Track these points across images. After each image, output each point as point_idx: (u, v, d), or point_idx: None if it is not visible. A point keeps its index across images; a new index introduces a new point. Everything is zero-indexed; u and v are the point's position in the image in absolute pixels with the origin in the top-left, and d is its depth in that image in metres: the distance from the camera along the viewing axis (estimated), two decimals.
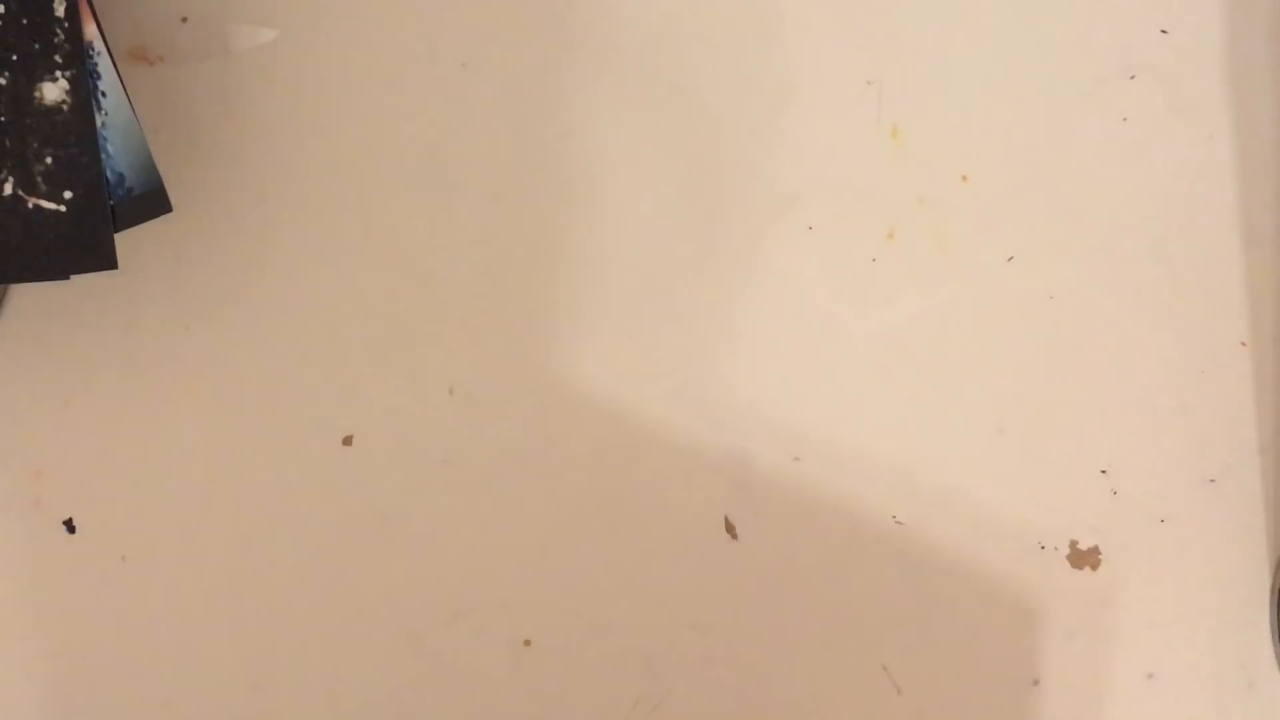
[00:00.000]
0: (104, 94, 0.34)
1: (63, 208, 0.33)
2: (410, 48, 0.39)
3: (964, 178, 0.39)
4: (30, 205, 0.33)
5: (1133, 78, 0.39)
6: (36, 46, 0.33)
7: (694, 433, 0.38)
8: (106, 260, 0.34)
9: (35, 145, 0.33)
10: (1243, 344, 0.38)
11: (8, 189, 0.33)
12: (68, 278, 0.34)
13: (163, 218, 0.35)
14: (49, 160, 0.33)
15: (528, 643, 0.38)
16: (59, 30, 0.33)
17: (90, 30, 0.34)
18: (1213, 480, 0.38)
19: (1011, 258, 0.39)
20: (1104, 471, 0.38)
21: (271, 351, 0.39)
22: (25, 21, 0.33)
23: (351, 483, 0.39)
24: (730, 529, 0.39)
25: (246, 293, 0.39)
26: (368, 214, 0.39)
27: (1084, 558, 0.38)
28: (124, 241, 0.34)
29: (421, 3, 0.39)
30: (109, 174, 0.34)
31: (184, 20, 0.39)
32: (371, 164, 0.39)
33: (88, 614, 0.38)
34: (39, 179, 0.33)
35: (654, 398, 0.38)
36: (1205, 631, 0.37)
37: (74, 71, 0.33)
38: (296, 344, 0.39)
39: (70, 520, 0.38)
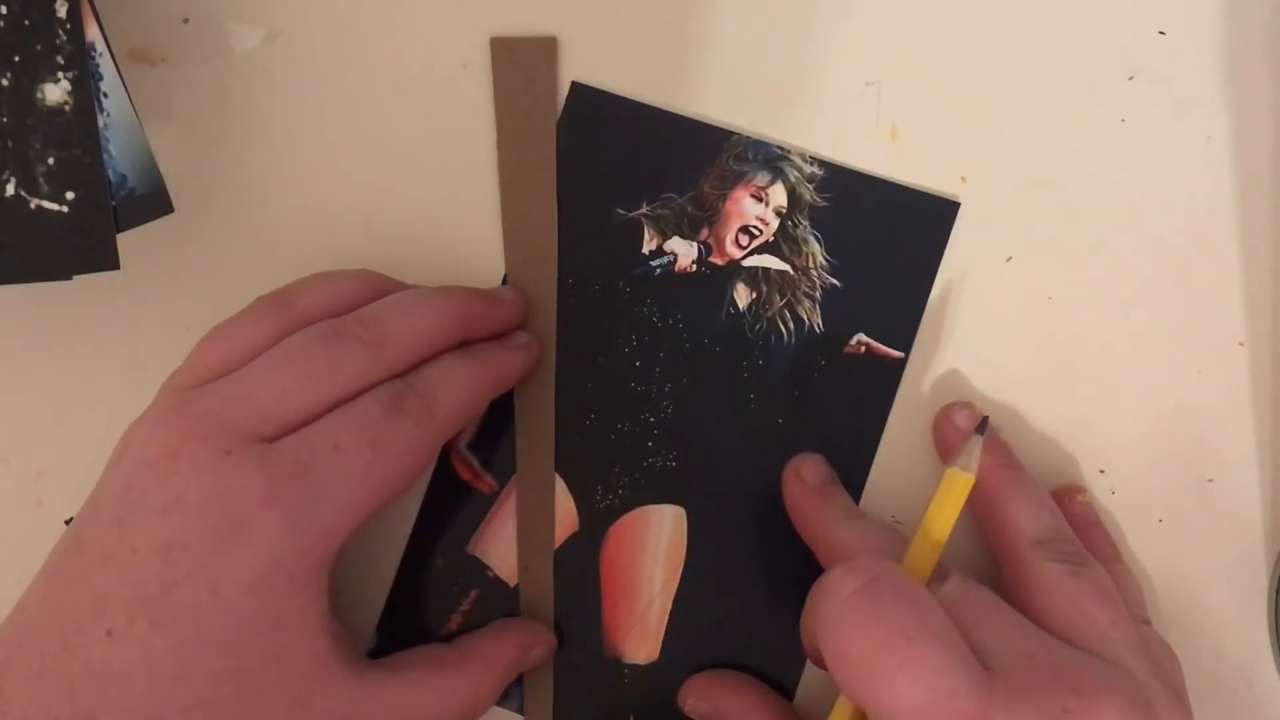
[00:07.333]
0: (106, 95, 0.34)
1: (65, 208, 0.33)
2: (410, 48, 0.39)
3: (963, 178, 0.39)
4: (33, 206, 0.33)
5: (1131, 78, 0.39)
6: (38, 48, 0.33)
7: None
8: (108, 260, 0.34)
9: (37, 146, 0.33)
10: (1240, 344, 0.38)
11: (10, 190, 0.33)
12: (70, 278, 0.34)
13: (163, 218, 0.35)
14: (51, 161, 0.33)
15: None
16: (61, 31, 0.33)
17: (92, 31, 0.34)
18: (1211, 480, 0.38)
19: (1010, 258, 0.39)
20: (1102, 471, 0.38)
21: None
22: (27, 23, 0.33)
23: None
24: None
25: (246, 293, 0.39)
26: (368, 214, 0.39)
27: None
28: (125, 242, 0.34)
29: (421, 3, 0.39)
30: (111, 175, 0.34)
31: (185, 21, 0.39)
32: (371, 164, 0.39)
33: None
34: (41, 180, 0.33)
35: None
36: (1204, 631, 0.38)
37: (76, 72, 0.33)
38: None
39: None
